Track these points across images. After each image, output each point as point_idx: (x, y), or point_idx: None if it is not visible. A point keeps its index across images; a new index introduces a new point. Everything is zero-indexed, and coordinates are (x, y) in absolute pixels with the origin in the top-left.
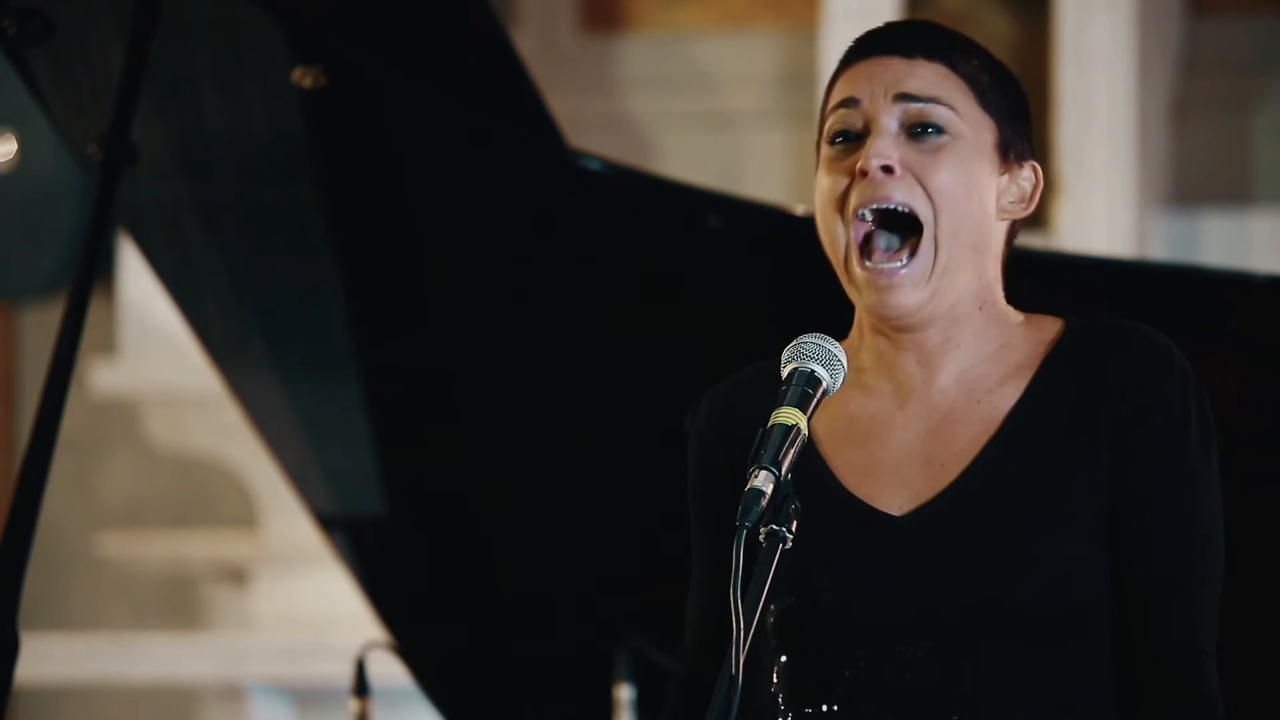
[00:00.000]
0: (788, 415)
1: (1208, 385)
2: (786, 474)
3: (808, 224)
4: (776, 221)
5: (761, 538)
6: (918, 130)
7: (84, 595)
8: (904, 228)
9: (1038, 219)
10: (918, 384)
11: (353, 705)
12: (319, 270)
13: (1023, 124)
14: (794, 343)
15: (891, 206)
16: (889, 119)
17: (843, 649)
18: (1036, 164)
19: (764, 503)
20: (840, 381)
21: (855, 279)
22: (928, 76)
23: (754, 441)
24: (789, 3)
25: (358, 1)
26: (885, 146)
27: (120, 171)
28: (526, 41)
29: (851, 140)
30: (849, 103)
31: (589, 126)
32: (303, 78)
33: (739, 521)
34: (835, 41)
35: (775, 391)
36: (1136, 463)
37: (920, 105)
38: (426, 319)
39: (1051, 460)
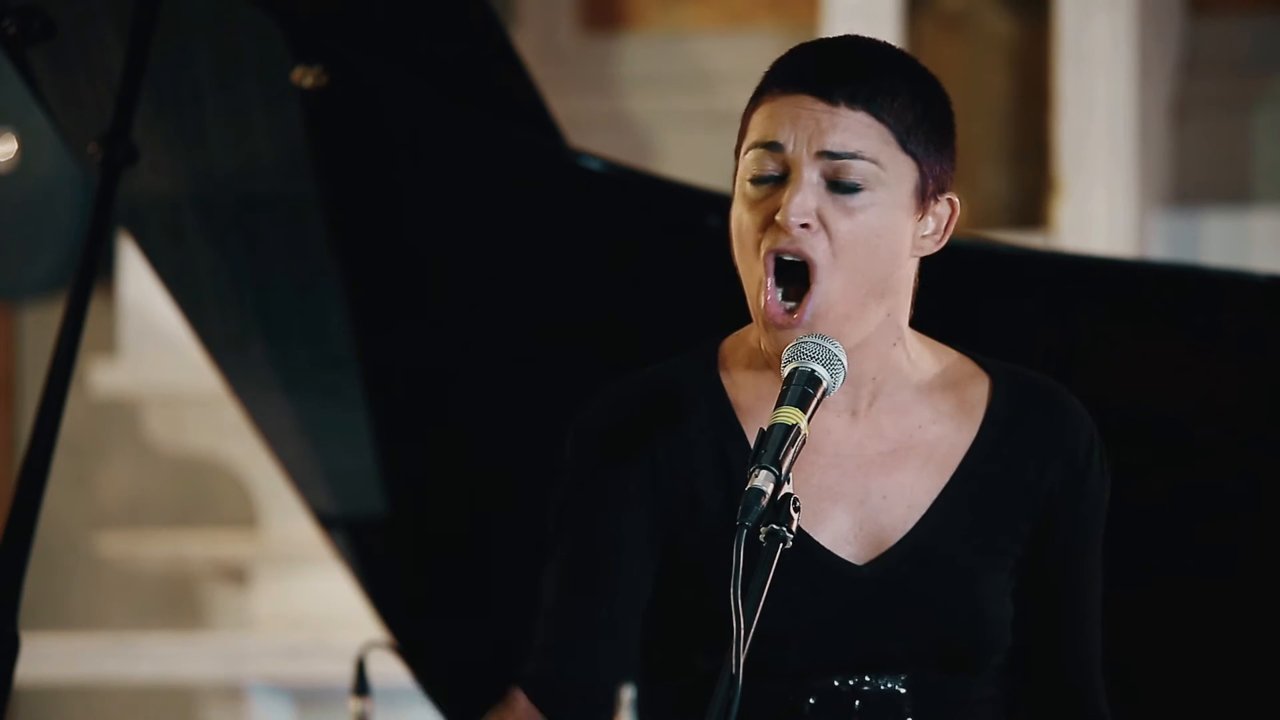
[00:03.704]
0: (788, 415)
1: (1208, 385)
2: (786, 473)
3: None
4: None
5: (761, 537)
6: (838, 182)
7: (84, 595)
8: (800, 279)
9: (1038, 219)
10: (841, 407)
11: (353, 705)
12: (319, 269)
13: (947, 151)
14: (794, 342)
15: (799, 260)
16: (810, 171)
17: (783, 685)
18: (954, 197)
19: (764, 502)
20: (840, 381)
21: (760, 312)
22: (850, 128)
23: (755, 443)
24: (789, 3)
25: (358, 1)
26: (804, 201)
27: (120, 171)
28: (526, 41)
29: (771, 182)
30: (771, 146)
31: (589, 126)
32: (303, 78)
33: (739, 521)
34: None
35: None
36: (1066, 529)
37: (841, 161)
38: (427, 318)
39: (996, 515)
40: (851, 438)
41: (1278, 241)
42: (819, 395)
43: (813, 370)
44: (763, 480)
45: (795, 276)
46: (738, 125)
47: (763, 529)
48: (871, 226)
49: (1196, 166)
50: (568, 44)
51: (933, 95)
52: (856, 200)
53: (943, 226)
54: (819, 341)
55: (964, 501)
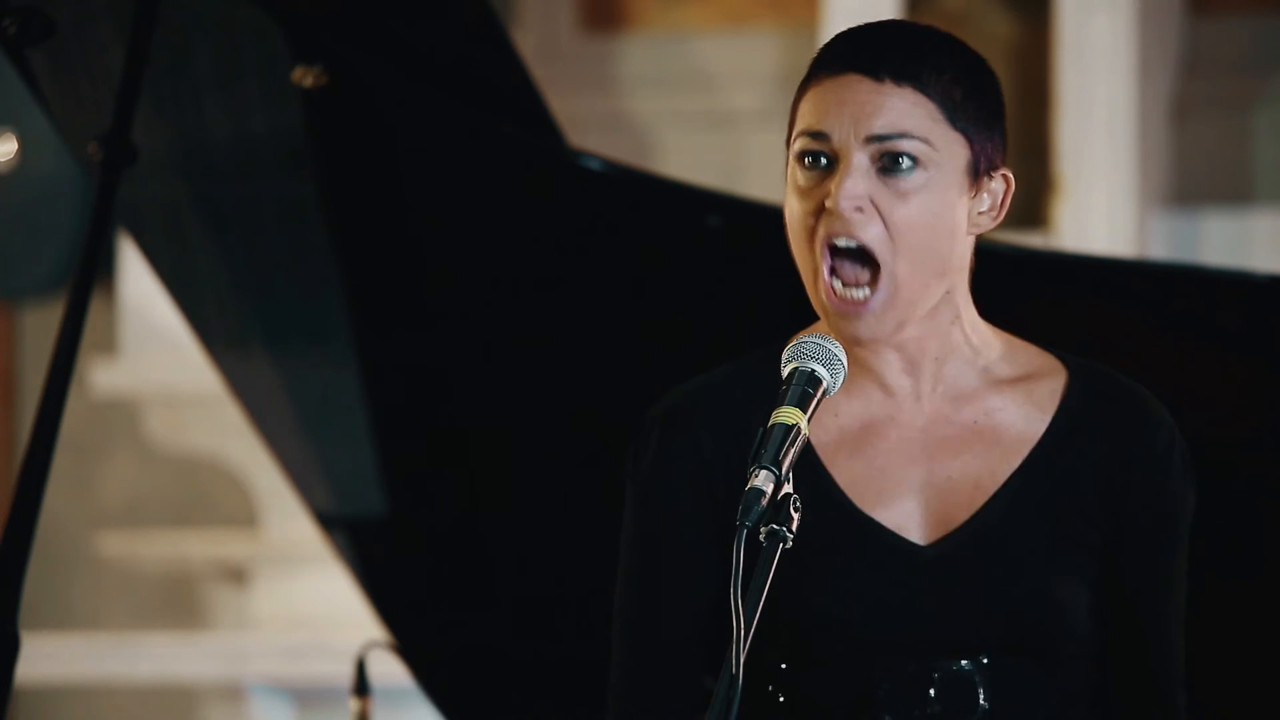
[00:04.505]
0: (788, 415)
1: (1208, 385)
2: (786, 473)
3: None
4: (776, 221)
5: (762, 537)
6: (889, 162)
7: (84, 595)
8: (869, 259)
9: (1038, 219)
10: (906, 391)
11: (353, 705)
12: (319, 269)
13: (997, 128)
14: (794, 342)
15: (855, 245)
16: (860, 156)
17: (856, 670)
18: (1008, 173)
19: (764, 502)
20: (840, 381)
21: (822, 304)
22: (897, 107)
23: (754, 443)
24: (789, 2)
25: (357, 1)
26: (855, 186)
27: (120, 171)
28: (526, 41)
29: (820, 168)
30: (818, 136)
31: (589, 126)
32: (303, 77)
33: (739, 521)
34: None
35: (727, 406)
36: (1142, 534)
37: (890, 142)
38: (426, 319)
39: (1067, 504)
40: (916, 422)
41: (1278, 241)
42: (819, 395)
43: (813, 370)
44: (763, 480)
45: (855, 259)
46: (737, 125)
47: (763, 529)
48: (926, 207)
49: (1196, 166)
50: (568, 44)
51: (979, 72)
52: (909, 182)
53: (998, 203)
54: (819, 341)
55: (1033, 488)
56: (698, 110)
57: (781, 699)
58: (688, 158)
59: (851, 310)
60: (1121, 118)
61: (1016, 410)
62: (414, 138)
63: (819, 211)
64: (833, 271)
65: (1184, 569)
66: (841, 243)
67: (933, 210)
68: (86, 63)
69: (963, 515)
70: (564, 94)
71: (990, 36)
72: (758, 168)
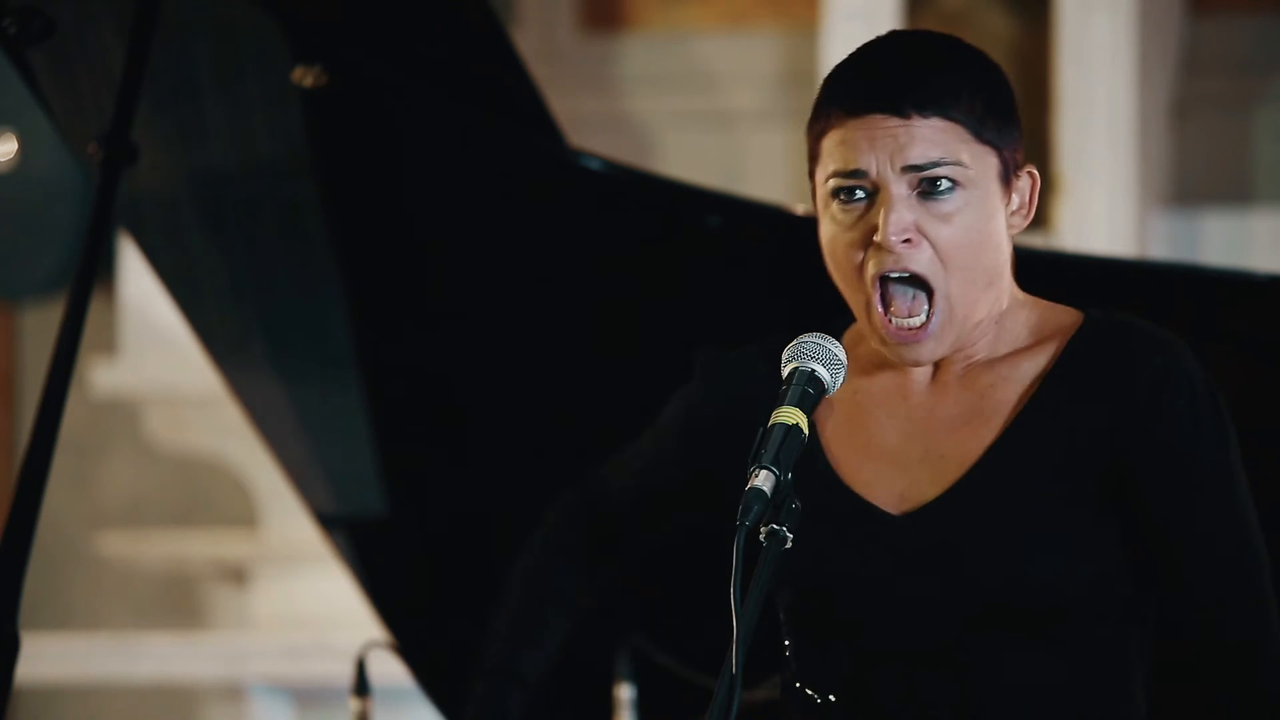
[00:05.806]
0: (788, 415)
1: None
2: (786, 474)
3: (808, 223)
4: (776, 221)
5: (762, 537)
6: (928, 187)
7: (84, 595)
8: (922, 284)
9: (1038, 219)
10: (924, 377)
11: (353, 705)
12: (319, 269)
13: (1016, 126)
14: (794, 342)
15: (909, 275)
16: (899, 186)
17: (847, 641)
18: (1032, 169)
19: (764, 503)
20: (840, 381)
21: (876, 331)
22: (928, 137)
23: (754, 439)
24: (789, 2)
25: (358, 1)
26: (901, 218)
27: (120, 171)
28: (526, 41)
29: (858, 200)
30: (855, 174)
31: (589, 126)
32: (303, 77)
33: (739, 521)
34: (835, 41)
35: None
36: (1155, 475)
37: (927, 170)
38: (426, 319)
39: (1054, 467)
40: (926, 403)
41: (1278, 241)
42: (819, 395)
43: (813, 370)
44: (763, 480)
45: (907, 286)
46: (737, 125)
47: (762, 529)
48: (970, 226)
49: (1196, 166)
50: (568, 44)
51: (991, 77)
52: (950, 204)
53: (1026, 200)
54: (819, 342)
55: (1019, 450)
56: (698, 110)
57: (797, 685)
58: (688, 158)
59: (911, 338)
60: (1121, 118)
61: (1022, 376)
62: (414, 138)
63: (865, 244)
64: (885, 303)
65: (1236, 516)
66: (895, 275)
67: (976, 227)
68: (87, 63)
69: (943, 489)
70: (564, 94)
71: (990, 36)
72: (758, 168)
